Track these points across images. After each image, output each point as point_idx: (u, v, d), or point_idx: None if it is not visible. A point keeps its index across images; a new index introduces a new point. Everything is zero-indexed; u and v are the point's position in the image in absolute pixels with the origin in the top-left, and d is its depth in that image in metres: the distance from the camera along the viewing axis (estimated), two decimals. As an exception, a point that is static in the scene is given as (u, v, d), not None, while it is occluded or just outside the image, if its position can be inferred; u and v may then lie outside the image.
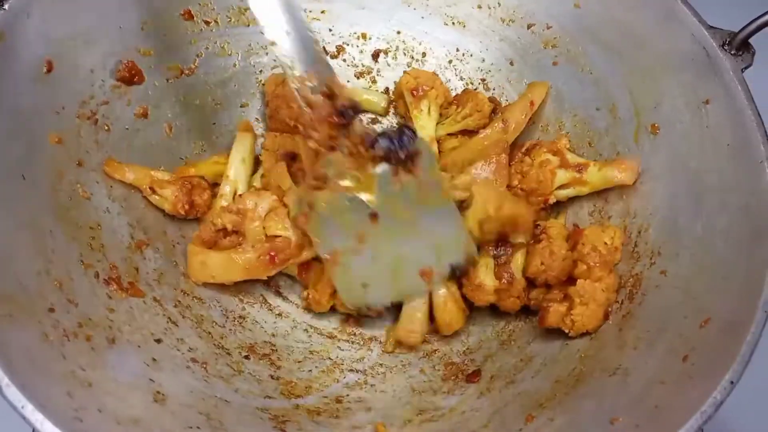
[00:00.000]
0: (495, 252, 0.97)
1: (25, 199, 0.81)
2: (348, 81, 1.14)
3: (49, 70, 0.86)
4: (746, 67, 0.89)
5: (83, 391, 0.71)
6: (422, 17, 1.13)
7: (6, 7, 0.81)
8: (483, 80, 1.13)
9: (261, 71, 1.10)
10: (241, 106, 1.10)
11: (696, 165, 0.90)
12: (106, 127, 0.94)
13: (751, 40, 0.89)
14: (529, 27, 1.08)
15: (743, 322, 0.73)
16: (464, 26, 1.12)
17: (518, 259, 0.96)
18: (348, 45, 1.14)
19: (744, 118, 0.85)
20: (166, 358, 0.85)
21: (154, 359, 0.83)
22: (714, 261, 0.83)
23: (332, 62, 1.13)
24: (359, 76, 1.15)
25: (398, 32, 1.14)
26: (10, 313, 0.70)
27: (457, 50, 1.13)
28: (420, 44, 1.14)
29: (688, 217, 0.89)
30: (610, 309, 0.90)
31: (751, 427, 1.04)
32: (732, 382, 0.69)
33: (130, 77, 0.96)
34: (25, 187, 0.82)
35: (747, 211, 0.82)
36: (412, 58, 1.15)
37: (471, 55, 1.13)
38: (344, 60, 1.14)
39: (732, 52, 0.89)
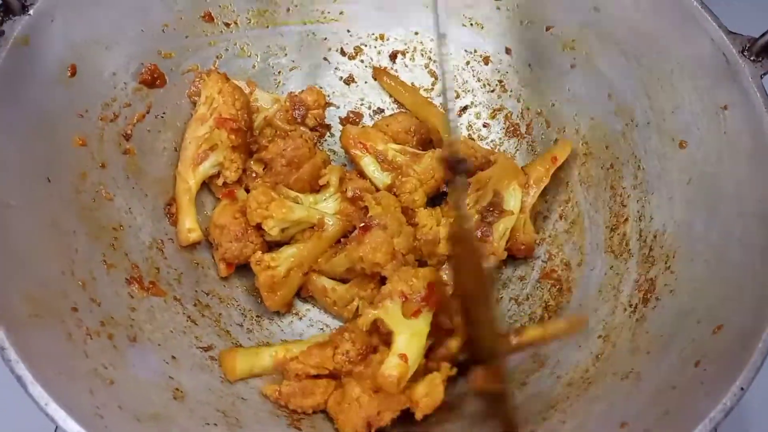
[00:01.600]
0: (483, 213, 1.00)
1: (50, 201, 0.84)
2: (366, 82, 1.16)
3: (72, 74, 0.88)
4: (765, 73, 0.88)
5: (105, 389, 0.73)
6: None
7: (31, 12, 0.83)
8: (500, 82, 1.13)
9: (280, 72, 1.12)
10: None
11: (713, 171, 0.90)
12: (129, 129, 0.96)
13: (771, 46, 0.88)
14: (547, 29, 1.08)
15: (755, 330, 0.73)
16: (482, 28, 1.12)
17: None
18: (366, 46, 1.15)
19: (762, 126, 0.85)
20: (185, 356, 0.87)
21: (173, 357, 0.86)
22: (728, 268, 0.82)
23: (350, 63, 1.15)
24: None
25: (416, 33, 1.15)
26: (36, 313, 0.73)
27: (475, 51, 1.14)
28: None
29: (703, 223, 0.89)
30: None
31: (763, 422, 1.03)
32: (742, 389, 0.69)
33: (152, 80, 0.98)
34: (49, 189, 0.84)
35: (763, 219, 0.81)
36: (430, 59, 1.15)
37: (489, 57, 1.13)
38: (362, 61, 1.15)
39: (752, 59, 0.88)
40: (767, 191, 0.83)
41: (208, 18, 1.04)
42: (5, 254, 0.73)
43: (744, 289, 0.79)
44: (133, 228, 0.94)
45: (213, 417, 0.80)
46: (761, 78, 0.88)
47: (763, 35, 0.88)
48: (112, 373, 0.76)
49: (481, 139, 1.14)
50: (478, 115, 1.15)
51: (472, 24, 1.12)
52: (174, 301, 0.93)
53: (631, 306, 0.91)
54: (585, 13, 1.04)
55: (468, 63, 1.14)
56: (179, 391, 0.81)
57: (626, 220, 0.99)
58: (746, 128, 0.87)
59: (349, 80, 1.15)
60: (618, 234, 0.98)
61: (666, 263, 0.91)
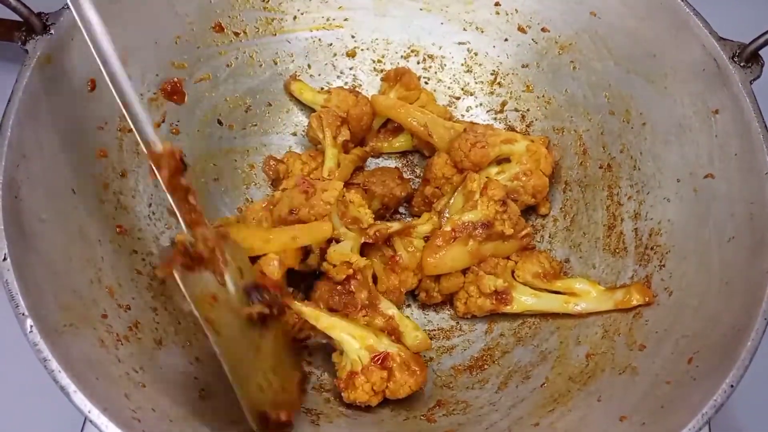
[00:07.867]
0: None
1: (76, 212, 0.88)
2: (370, 84, 1.19)
3: (92, 89, 0.92)
4: (755, 79, 0.92)
5: (138, 392, 0.78)
6: (441, 23, 1.17)
7: (52, 31, 0.87)
8: (500, 84, 1.17)
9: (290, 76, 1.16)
10: (268, 112, 1.15)
11: (705, 173, 0.94)
12: (145, 139, 1.00)
13: (761, 52, 0.92)
14: (545, 33, 1.12)
15: (744, 328, 0.78)
16: (482, 32, 1.16)
17: None
18: (369, 50, 1.18)
19: (751, 130, 0.89)
20: (206, 356, 0.92)
21: (197, 358, 0.90)
22: (719, 267, 0.87)
23: (355, 67, 1.19)
24: (382, 80, 1.19)
25: (418, 38, 1.18)
26: (71, 322, 0.77)
27: (476, 55, 1.17)
28: (439, 49, 1.18)
29: (696, 222, 0.93)
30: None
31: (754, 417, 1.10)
32: (732, 386, 0.74)
33: (171, 93, 1.01)
34: (75, 201, 0.88)
35: (751, 220, 0.86)
36: (432, 61, 1.19)
37: (489, 60, 1.17)
38: (366, 65, 1.19)
39: (741, 64, 0.92)
40: (754, 193, 0.87)
41: (219, 28, 1.07)
42: (42, 267, 0.77)
43: (734, 287, 0.84)
44: (153, 234, 0.98)
45: (237, 414, 0.85)
46: (750, 84, 0.92)
47: (752, 42, 0.92)
48: (143, 376, 0.80)
49: (483, 141, 1.18)
50: (478, 117, 1.19)
51: (472, 28, 1.16)
52: (194, 303, 0.97)
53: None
54: (583, 18, 1.08)
55: (468, 65, 1.18)
56: (204, 391, 0.86)
57: (623, 219, 1.03)
58: (736, 132, 0.91)
59: (353, 83, 1.18)
60: (615, 233, 1.03)
61: (660, 261, 0.96)
